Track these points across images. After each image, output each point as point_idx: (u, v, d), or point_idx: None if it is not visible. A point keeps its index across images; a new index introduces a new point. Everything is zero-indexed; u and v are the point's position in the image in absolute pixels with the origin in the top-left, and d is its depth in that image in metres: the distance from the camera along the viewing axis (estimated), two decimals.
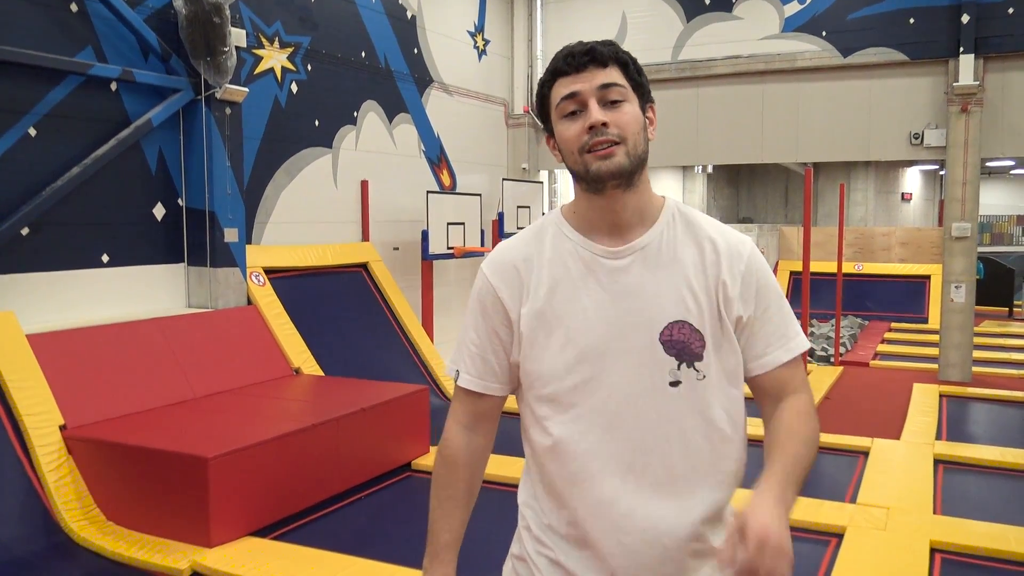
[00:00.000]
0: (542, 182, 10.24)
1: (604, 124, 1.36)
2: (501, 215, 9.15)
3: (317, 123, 7.18)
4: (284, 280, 6.54)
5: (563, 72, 1.40)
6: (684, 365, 1.37)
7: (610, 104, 1.38)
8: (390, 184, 8.06)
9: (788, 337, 1.44)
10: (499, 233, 9.20)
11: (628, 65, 1.41)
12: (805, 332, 8.12)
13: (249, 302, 6.08)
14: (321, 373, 6.09)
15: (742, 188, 19.54)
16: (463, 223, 8.32)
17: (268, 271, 6.39)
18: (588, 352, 1.38)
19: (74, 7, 5.14)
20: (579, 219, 1.45)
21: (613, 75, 1.39)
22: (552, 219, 1.49)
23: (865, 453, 5.70)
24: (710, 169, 16.74)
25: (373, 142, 7.86)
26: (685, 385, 1.37)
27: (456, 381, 1.52)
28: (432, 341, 7.78)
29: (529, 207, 9.61)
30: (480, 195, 8.63)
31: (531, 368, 1.43)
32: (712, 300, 1.40)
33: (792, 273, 13.27)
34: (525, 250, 1.46)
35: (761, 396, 1.47)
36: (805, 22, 8.84)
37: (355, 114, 7.64)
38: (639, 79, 1.42)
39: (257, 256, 6.32)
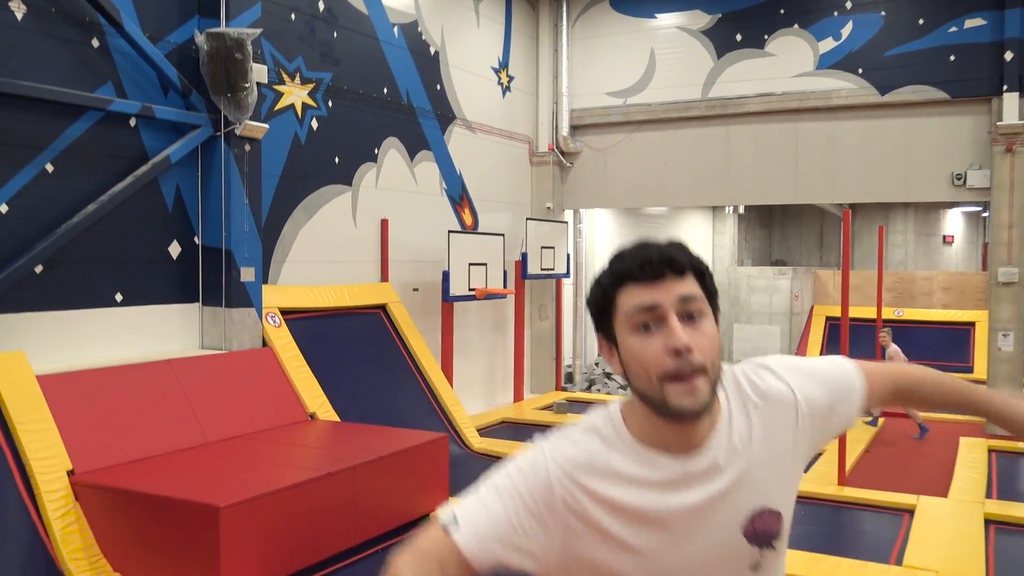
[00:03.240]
0: (567, 222, 10.28)
1: (688, 349, 1.25)
2: (525, 256, 9.18)
3: (337, 160, 7.28)
4: (300, 321, 6.57)
5: (635, 278, 1.29)
6: (765, 550, 1.36)
7: (688, 319, 1.28)
8: (410, 223, 8.13)
9: (847, 386, 1.47)
10: (522, 274, 9.23)
11: (704, 275, 1.32)
12: None
13: (264, 344, 6.10)
14: (337, 419, 6.08)
15: (775, 229, 19.50)
16: (485, 264, 8.35)
17: (284, 312, 6.43)
18: (656, 555, 1.33)
19: (95, 42, 5.27)
20: (646, 435, 1.34)
21: (690, 284, 1.29)
22: (612, 428, 1.37)
23: (910, 511, 5.58)
24: (741, 210, 16.73)
25: (394, 180, 7.95)
26: (765, 564, 1.38)
27: (446, 525, 1.31)
28: (452, 386, 7.76)
29: (554, 247, 9.64)
30: (503, 235, 8.68)
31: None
32: (791, 462, 1.38)
33: (828, 319, 13.16)
34: (592, 459, 1.35)
35: (890, 404, 1.57)
36: (840, 59, 8.89)
37: (376, 151, 7.73)
38: (713, 288, 1.33)
39: (273, 296, 6.37)
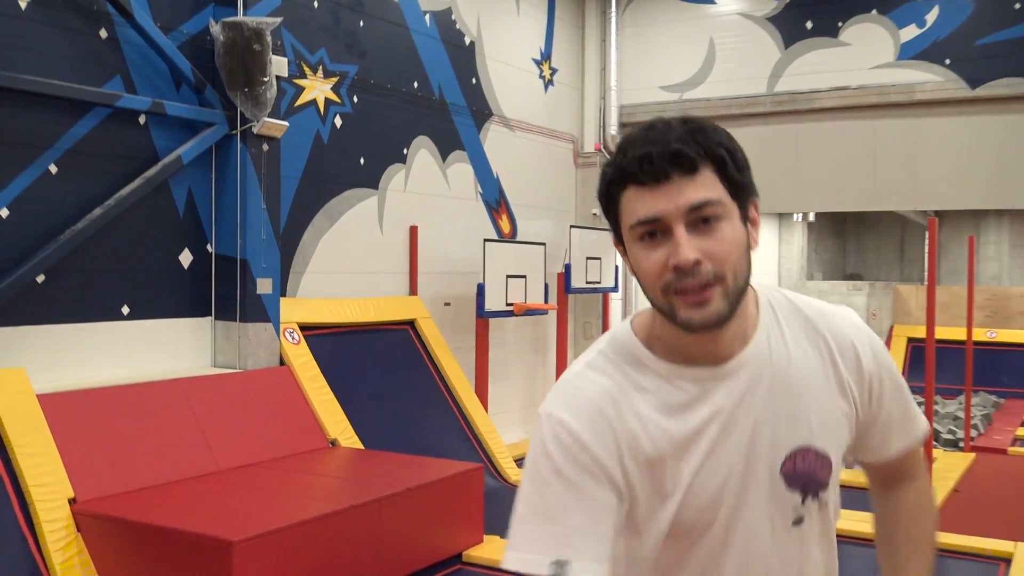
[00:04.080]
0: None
1: (696, 263, 1.23)
2: (568, 267, 9.18)
3: (362, 161, 7.36)
4: (321, 338, 6.64)
5: (637, 180, 1.26)
6: (809, 498, 1.35)
7: (702, 224, 1.24)
8: (442, 230, 8.18)
9: (908, 419, 1.46)
10: (565, 288, 9.23)
11: (725, 162, 1.26)
12: (929, 411, 7.91)
13: (282, 362, 6.17)
14: (360, 446, 6.12)
15: (849, 240, 19.28)
16: (524, 276, 8.36)
17: (304, 327, 6.50)
18: (704, 503, 1.33)
19: (103, 33, 5.40)
20: (664, 346, 1.34)
21: (706, 184, 1.24)
22: (627, 345, 1.38)
23: (1007, 560, 5.46)
24: (811, 217, 16.58)
25: (424, 183, 8.01)
26: (809, 520, 1.36)
27: None
28: (487, 411, 7.77)
29: (600, 258, 9.63)
30: (544, 244, 8.69)
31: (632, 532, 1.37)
32: (839, 408, 1.37)
33: (911, 340, 12.96)
34: (610, 392, 1.34)
35: (872, 477, 1.54)
36: (924, 48, 8.79)
37: (405, 151, 7.80)
38: (740, 177, 1.27)
39: (292, 310, 6.44)
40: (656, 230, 1.25)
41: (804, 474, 1.34)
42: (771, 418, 1.33)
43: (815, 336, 1.38)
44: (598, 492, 1.27)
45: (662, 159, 1.24)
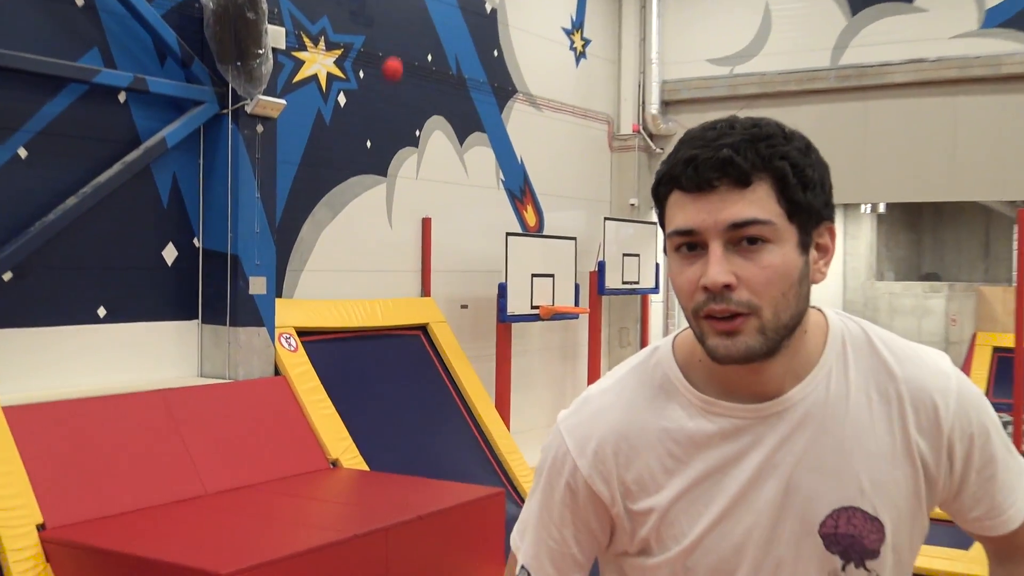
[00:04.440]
0: (656, 223, 10.21)
1: (728, 287, 1.24)
2: (602, 265, 9.16)
3: (369, 144, 7.37)
4: (322, 345, 6.65)
5: (680, 185, 1.28)
6: (852, 565, 1.33)
7: (746, 245, 1.25)
8: (459, 223, 8.18)
9: (1018, 489, 1.41)
10: (598, 289, 9.21)
11: (786, 178, 1.26)
12: (1018, 432, 7.77)
13: (277, 372, 6.20)
14: (365, 467, 6.13)
15: (925, 234, 19.12)
16: (552, 275, 8.35)
17: (302, 332, 6.52)
18: (725, 553, 1.35)
19: (80, 1, 5.44)
20: (703, 371, 1.37)
21: (757, 201, 1.25)
22: (663, 365, 1.41)
23: None
24: (882, 209, 16.45)
25: (439, 169, 8.02)
26: None
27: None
28: (508, 429, 7.76)
29: (638, 256, 9.60)
30: (575, 239, 8.68)
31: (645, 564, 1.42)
32: (901, 473, 1.35)
33: (996, 350, 12.81)
34: (629, 421, 1.40)
35: (987, 551, 1.51)
36: (1013, 16, 8.69)
37: (417, 133, 7.81)
38: (803, 197, 1.26)
39: (289, 313, 6.47)
40: (695, 243, 1.28)
41: (847, 537, 1.32)
42: (814, 469, 1.32)
43: (886, 382, 1.36)
44: (573, 538, 1.43)
45: (708, 166, 1.25)
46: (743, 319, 1.25)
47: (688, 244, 1.28)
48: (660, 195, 1.33)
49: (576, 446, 1.41)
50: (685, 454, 1.35)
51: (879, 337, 1.39)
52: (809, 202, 1.27)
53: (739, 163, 1.24)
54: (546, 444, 1.46)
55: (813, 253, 1.30)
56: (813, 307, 1.39)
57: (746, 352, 1.26)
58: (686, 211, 1.27)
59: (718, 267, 1.24)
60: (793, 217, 1.26)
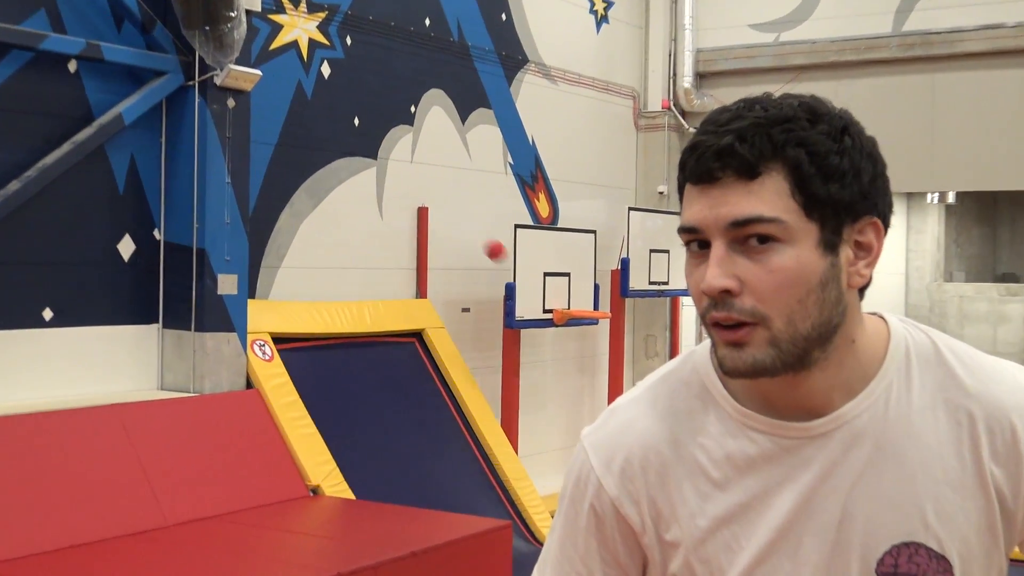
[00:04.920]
0: None
1: (728, 292, 1.26)
2: (625, 263, 9.16)
3: (357, 122, 7.38)
4: (301, 353, 6.66)
5: (689, 174, 1.31)
6: None
7: (755, 245, 1.26)
8: (461, 214, 8.20)
9: None
10: (621, 291, 9.20)
11: (801, 167, 1.25)
12: None
13: (250, 384, 6.21)
14: (351, 495, 6.14)
15: (1002, 228, 19.06)
16: (568, 274, 8.35)
17: (278, 339, 6.53)
18: None
19: None
20: (744, 383, 1.37)
21: (765, 195, 1.25)
22: (700, 372, 1.43)
23: None
24: (951, 198, 16.41)
25: (437, 151, 8.03)
26: None
27: None
28: (516, 451, 7.77)
29: (668, 252, 9.59)
30: (595, 232, 8.68)
31: None
32: (973, 505, 1.34)
33: None
34: (661, 434, 1.42)
35: None
36: None
37: (412, 110, 7.82)
38: (826, 190, 1.26)
39: (264, 317, 6.48)
40: (704, 241, 1.30)
41: None
42: (870, 499, 1.33)
43: (957, 400, 1.35)
44: (601, 572, 1.45)
45: (710, 155, 1.27)
46: (749, 329, 1.26)
47: (697, 242, 1.30)
48: (680, 184, 1.36)
49: (601, 463, 1.43)
50: (723, 477, 1.36)
51: (949, 348, 1.38)
52: (834, 195, 1.26)
53: (742, 152, 1.25)
54: (569, 465, 1.48)
55: (848, 253, 1.30)
56: (873, 313, 1.40)
57: (753, 366, 1.27)
58: (691, 206, 1.30)
59: (716, 270, 1.26)
60: (812, 213, 1.26)
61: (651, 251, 9.40)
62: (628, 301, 9.73)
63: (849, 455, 1.33)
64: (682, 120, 10.34)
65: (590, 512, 1.43)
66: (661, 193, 10.27)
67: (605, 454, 1.43)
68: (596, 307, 8.71)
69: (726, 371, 1.31)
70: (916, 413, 1.34)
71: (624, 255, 9.23)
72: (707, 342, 1.43)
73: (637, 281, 9.26)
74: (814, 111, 1.28)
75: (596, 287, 8.69)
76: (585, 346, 9.63)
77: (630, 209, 9.28)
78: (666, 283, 9.64)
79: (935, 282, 16.58)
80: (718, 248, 1.26)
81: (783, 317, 1.26)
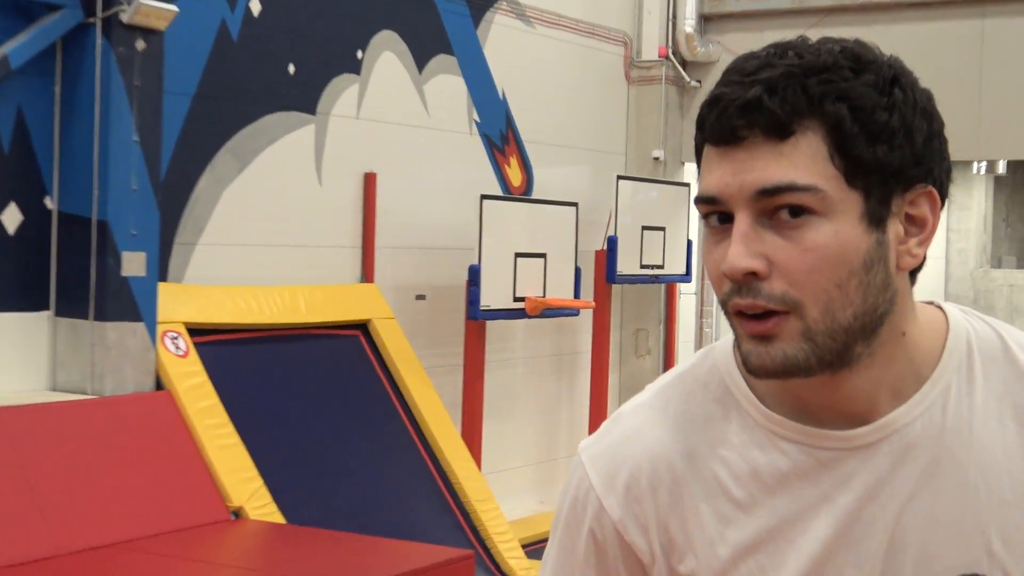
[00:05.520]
0: (689, 184, 10.23)
1: (754, 275, 1.24)
2: (613, 242, 9.16)
3: (293, 70, 7.36)
4: (222, 348, 6.65)
5: (708, 133, 1.29)
6: None
7: (786, 219, 1.24)
8: (416, 181, 8.19)
9: None
10: (607, 276, 9.21)
11: (843, 125, 1.23)
12: None
13: (160, 385, 6.19)
14: (281, 519, 6.13)
15: None
16: (544, 255, 8.37)
17: (195, 331, 6.51)
18: None
19: None
20: (773, 384, 1.35)
21: (799, 159, 1.23)
22: (721, 371, 1.42)
23: None
24: (1001, 169, 16.51)
25: (389, 106, 8.02)
26: None
27: None
28: (479, 466, 7.78)
29: (663, 229, 9.61)
30: (576, 205, 8.69)
31: None
32: None
33: None
34: (674, 444, 1.40)
35: None
36: None
37: (359, 55, 7.80)
38: (871, 152, 1.24)
39: (177, 303, 6.46)
40: (725, 213, 1.27)
41: None
42: (924, 523, 1.32)
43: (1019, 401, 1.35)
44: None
45: (733, 111, 1.24)
46: (779, 319, 1.24)
47: (719, 214, 1.27)
48: (698, 145, 1.33)
49: (603, 480, 1.41)
50: (748, 496, 1.35)
51: (1019, 343, 1.37)
52: (881, 159, 1.24)
53: (771, 107, 1.22)
54: (565, 484, 1.46)
55: (898, 228, 1.27)
56: (928, 302, 1.39)
57: (783, 363, 1.25)
58: (711, 172, 1.27)
59: (740, 248, 1.23)
60: (855, 180, 1.24)
61: (643, 228, 9.41)
62: (615, 288, 9.74)
63: (898, 471, 1.32)
64: (682, 72, 10.36)
65: (589, 539, 1.41)
66: (656, 159, 10.27)
67: (607, 470, 1.41)
68: (577, 295, 8.72)
69: (751, 370, 1.28)
70: (979, 420, 1.34)
71: (611, 233, 9.24)
72: (730, 337, 1.40)
73: (626, 264, 9.27)
74: (858, 58, 1.25)
75: (577, 271, 8.71)
76: (563, 342, 9.65)
77: (619, 178, 9.29)
78: (661, 267, 9.66)
79: (981, 268, 16.69)
80: (742, 222, 1.24)
81: (819, 304, 1.24)
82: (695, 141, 1.33)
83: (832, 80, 1.23)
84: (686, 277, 10.19)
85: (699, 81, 10.33)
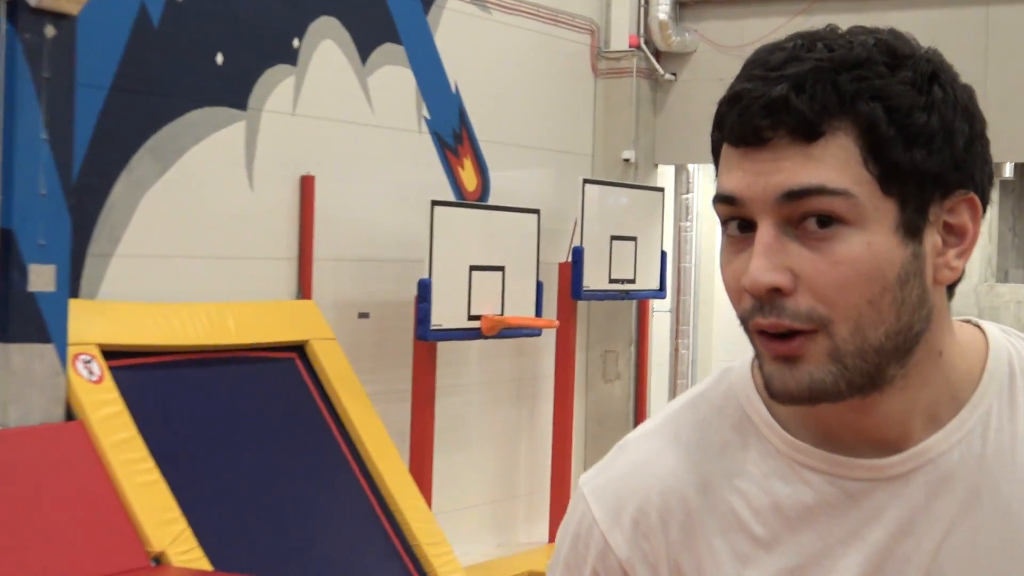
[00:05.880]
0: (663, 189, 10.28)
1: (778, 291, 1.24)
2: (578, 253, 9.19)
3: (221, 59, 7.35)
4: (141, 372, 6.63)
5: (727, 133, 1.29)
6: None
7: (813, 227, 1.24)
8: (358, 185, 8.21)
9: None
10: (573, 291, 9.23)
11: (877, 126, 1.23)
12: None
13: (71, 415, 6.16)
14: (207, 565, 6.12)
15: None
16: (502, 268, 8.39)
17: (110, 353, 6.49)
18: None
19: None
20: (796, 408, 1.35)
21: (830, 162, 1.23)
22: (738, 394, 1.43)
23: None
24: (1008, 171, 16.64)
25: (329, 101, 8.03)
26: None
27: None
28: (430, 505, 7.79)
29: (635, 239, 9.64)
30: (538, 212, 8.72)
31: None
32: None
33: None
34: (686, 475, 1.41)
35: None
36: None
37: (296, 44, 7.80)
38: (910, 155, 1.24)
39: (91, 322, 6.43)
40: (747, 220, 1.27)
41: None
42: (963, 562, 1.33)
43: None
44: None
45: (756, 109, 1.24)
46: (804, 339, 1.24)
47: (739, 221, 1.27)
48: (715, 144, 1.33)
49: (607, 515, 1.40)
50: (769, 533, 1.35)
51: None
52: (919, 164, 1.23)
53: (799, 106, 1.21)
54: (564, 521, 1.46)
55: (935, 239, 1.27)
56: (964, 319, 1.40)
57: (810, 388, 1.25)
58: (731, 173, 1.27)
59: (763, 261, 1.22)
60: (890, 187, 1.24)
61: (612, 238, 9.44)
62: (581, 305, 9.77)
63: (934, 503, 1.32)
64: (655, 63, 10.40)
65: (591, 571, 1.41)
66: (627, 161, 10.29)
67: (612, 503, 1.40)
68: (539, 313, 8.74)
69: (774, 394, 1.28)
70: (1023, 448, 1.35)
71: (577, 244, 9.27)
72: (748, 357, 1.41)
73: (593, 279, 9.29)
74: (894, 52, 1.25)
75: (539, 286, 8.74)
76: (524, 365, 9.67)
77: (585, 181, 9.32)
78: (632, 282, 9.68)
79: (985, 282, 16.79)
80: (766, 232, 1.23)
81: (849, 323, 1.24)
82: (712, 140, 1.32)
83: (866, 77, 1.23)
84: (660, 293, 10.22)
85: (674, 74, 10.37)
